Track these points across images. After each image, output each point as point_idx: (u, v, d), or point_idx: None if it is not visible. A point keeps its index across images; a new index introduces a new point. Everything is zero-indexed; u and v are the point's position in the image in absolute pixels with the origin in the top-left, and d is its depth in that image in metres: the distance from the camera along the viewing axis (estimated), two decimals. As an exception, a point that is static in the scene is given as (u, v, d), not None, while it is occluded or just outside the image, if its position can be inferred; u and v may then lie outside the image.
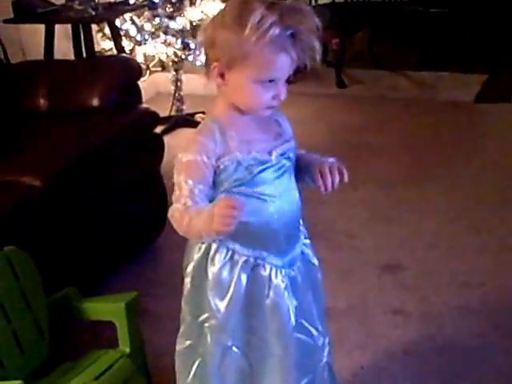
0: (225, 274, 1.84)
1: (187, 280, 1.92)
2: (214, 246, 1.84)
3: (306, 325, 1.96)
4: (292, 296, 1.89)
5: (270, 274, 1.85)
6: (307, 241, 1.98)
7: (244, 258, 1.84)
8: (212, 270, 1.85)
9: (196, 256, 1.88)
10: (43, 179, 2.68)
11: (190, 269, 1.90)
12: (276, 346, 1.89)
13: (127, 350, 2.28)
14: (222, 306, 1.86)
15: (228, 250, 1.84)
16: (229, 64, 1.69)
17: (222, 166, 1.75)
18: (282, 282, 1.86)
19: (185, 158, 1.75)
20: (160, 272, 3.25)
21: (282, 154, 1.82)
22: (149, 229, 3.34)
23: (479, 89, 5.59)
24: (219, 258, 1.84)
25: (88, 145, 2.91)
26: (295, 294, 1.90)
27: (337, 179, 1.82)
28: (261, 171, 1.77)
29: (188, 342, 1.97)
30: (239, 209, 1.57)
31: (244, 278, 1.85)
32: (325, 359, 2.04)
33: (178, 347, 2.01)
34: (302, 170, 1.91)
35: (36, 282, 2.22)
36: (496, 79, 5.72)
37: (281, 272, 1.87)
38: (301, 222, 1.97)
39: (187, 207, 1.70)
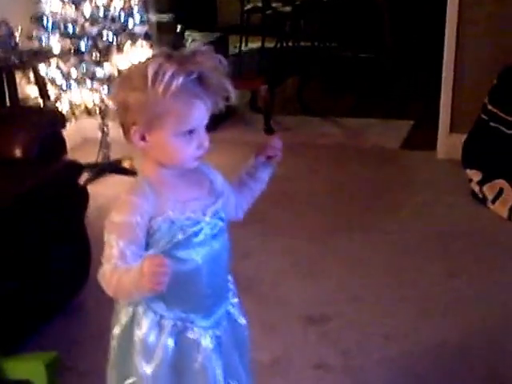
0: (152, 338, 1.82)
1: (113, 343, 1.89)
2: (140, 310, 1.82)
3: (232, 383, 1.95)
4: (218, 356, 1.88)
5: (198, 338, 1.84)
6: (235, 300, 1.97)
7: (172, 323, 1.82)
8: (138, 334, 1.83)
9: (123, 320, 1.86)
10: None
11: (116, 332, 1.88)
12: None
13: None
14: (148, 369, 1.83)
15: (155, 314, 1.82)
16: (147, 125, 1.68)
17: (155, 226, 1.73)
18: (211, 343, 1.85)
19: (117, 219, 1.72)
20: (84, 328, 3.18)
21: (214, 214, 1.80)
22: (72, 282, 3.27)
23: (405, 135, 5.68)
24: (146, 322, 1.82)
25: (8, 196, 2.85)
26: (221, 354, 1.89)
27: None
28: (196, 232, 1.76)
29: None
30: (167, 266, 1.55)
31: (171, 342, 1.83)
32: None
33: None
34: (252, 180, 1.98)
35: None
36: (422, 126, 5.83)
37: (209, 334, 1.85)
38: (230, 279, 1.96)
39: (116, 267, 1.67)
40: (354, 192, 4.61)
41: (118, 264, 1.67)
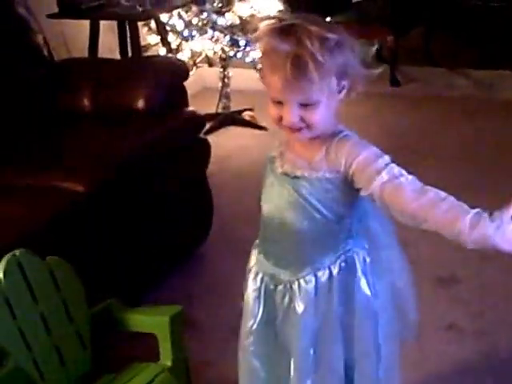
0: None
1: None
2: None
3: None
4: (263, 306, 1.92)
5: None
6: (304, 283, 1.83)
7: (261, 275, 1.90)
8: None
9: None
10: (86, 185, 2.63)
11: None
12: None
13: (169, 363, 2.23)
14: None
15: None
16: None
17: None
18: (257, 281, 1.91)
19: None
20: (205, 281, 3.17)
21: (294, 177, 1.75)
22: (194, 235, 3.28)
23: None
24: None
25: (133, 149, 2.85)
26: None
27: None
28: (271, 170, 1.81)
29: None
30: None
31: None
32: None
33: None
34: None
35: (78, 293, 2.18)
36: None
37: (259, 273, 1.90)
38: (325, 259, 1.84)
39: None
40: (485, 149, 4.41)
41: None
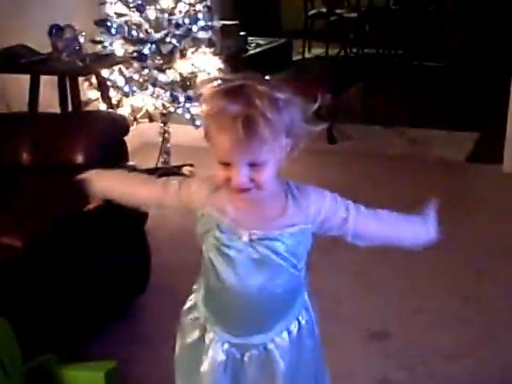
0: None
1: None
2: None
3: None
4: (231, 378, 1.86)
5: (210, 343, 1.85)
6: (280, 340, 1.85)
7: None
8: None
9: None
10: (24, 240, 2.58)
11: None
12: None
13: (106, 421, 2.22)
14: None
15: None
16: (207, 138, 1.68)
17: (199, 213, 1.76)
18: (221, 355, 1.84)
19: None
20: (143, 333, 3.16)
21: (262, 239, 1.72)
22: (132, 288, 3.27)
23: (471, 148, 5.56)
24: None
25: (71, 203, 2.82)
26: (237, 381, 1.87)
27: None
28: (228, 245, 1.73)
29: None
30: None
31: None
32: None
33: None
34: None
35: (14, 349, 2.16)
36: (488, 138, 5.69)
37: (222, 345, 1.84)
38: (298, 319, 1.88)
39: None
40: (415, 204, 4.47)
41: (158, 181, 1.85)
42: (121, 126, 3.30)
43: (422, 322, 3.28)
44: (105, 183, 1.97)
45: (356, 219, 1.78)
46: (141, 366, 2.90)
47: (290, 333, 1.86)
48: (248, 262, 1.73)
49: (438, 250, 3.77)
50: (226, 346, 1.83)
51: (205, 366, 1.85)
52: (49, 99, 4.34)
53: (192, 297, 1.92)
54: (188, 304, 1.92)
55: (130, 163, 3.26)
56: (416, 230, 1.90)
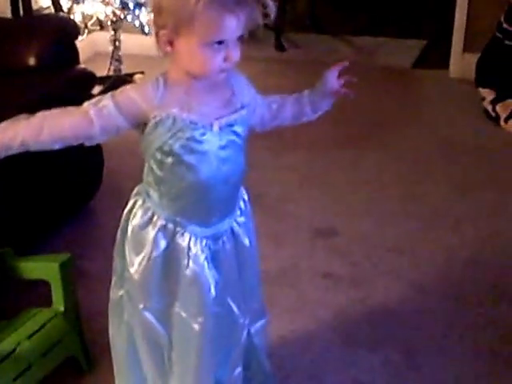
0: (142, 231, 1.84)
1: (118, 231, 1.93)
2: (139, 201, 1.86)
3: (228, 301, 1.94)
4: (213, 268, 1.88)
5: (188, 244, 1.83)
6: (242, 219, 1.95)
7: (163, 222, 1.83)
8: (132, 224, 1.86)
9: (125, 210, 1.90)
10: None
11: (121, 221, 1.92)
12: (195, 317, 1.87)
13: (61, 309, 2.32)
14: (136, 261, 1.85)
15: (149, 209, 1.84)
16: (176, 30, 1.64)
17: (158, 118, 1.72)
18: (202, 251, 1.85)
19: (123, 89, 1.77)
20: (95, 234, 3.24)
21: (227, 126, 1.77)
22: (84, 189, 3.34)
23: (418, 54, 5.63)
24: (139, 213, 1.85)
25: (24, 103, 2.85)
26: (218, 269, 1.89)
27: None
28: (199, 140, 1.74)
29: (120, 293, 1.97)
30: None
31: (163, 243, 1.84)
32: (243, 339, 2.03)
33: (111, 297, 2.00)
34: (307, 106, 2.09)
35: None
36: (435, 45, 5.77)
37: (201, 242, 1.85)
38: (243, 195, 1.96)
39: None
40: (362, 109, 4.55)
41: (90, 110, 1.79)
42: (71, 28, 3.30)
43: (368, 219, 3.38)
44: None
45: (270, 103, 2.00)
46: (96, 262, 2.96)
47: (241, 211, 1.95)
48: (218, 151, 1.77)
49: (388, 151, 3.97)
50: (204, 241, 1.85)
51: (192, 269, 1.84)
52: (0, 7, 4.32)
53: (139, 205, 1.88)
54: (137, 217, 1.86)
55: (81, 66, 3.28)
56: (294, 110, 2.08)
